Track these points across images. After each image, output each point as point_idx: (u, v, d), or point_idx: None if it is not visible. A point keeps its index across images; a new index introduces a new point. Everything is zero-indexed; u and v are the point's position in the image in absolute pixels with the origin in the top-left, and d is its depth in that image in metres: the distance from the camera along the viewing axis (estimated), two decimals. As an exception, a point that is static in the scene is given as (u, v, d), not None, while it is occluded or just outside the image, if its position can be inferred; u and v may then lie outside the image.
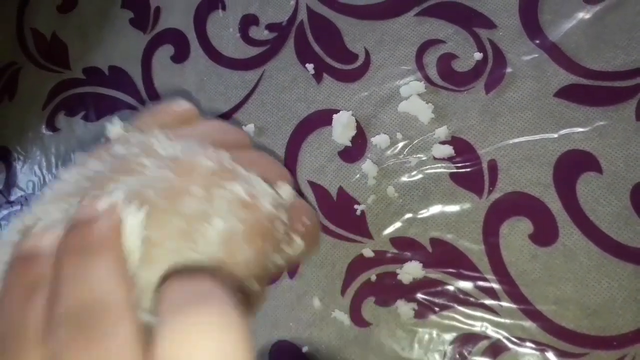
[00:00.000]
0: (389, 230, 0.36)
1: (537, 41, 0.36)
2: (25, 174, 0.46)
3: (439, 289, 0.35)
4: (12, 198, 0.46)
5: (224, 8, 0.44)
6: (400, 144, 0.37)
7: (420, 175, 0.36)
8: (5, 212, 0.46)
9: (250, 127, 0.40)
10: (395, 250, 0.36)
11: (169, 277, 0.14)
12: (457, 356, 0.33)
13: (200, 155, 0.17)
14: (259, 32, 0.42)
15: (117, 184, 0.16)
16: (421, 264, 0.35)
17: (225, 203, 0.16)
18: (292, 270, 0.38)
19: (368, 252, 0.36)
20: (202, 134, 0.19)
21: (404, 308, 0.35)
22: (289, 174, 0.20)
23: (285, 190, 0.19)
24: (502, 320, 0.33)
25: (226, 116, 0.42)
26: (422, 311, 0.35)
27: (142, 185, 0.16)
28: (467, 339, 0.33)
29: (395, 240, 0.36)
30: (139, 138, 0.19)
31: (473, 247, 0.34)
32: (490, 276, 0.34)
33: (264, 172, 0.19)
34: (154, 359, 0.12)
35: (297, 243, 0.19)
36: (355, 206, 0.37)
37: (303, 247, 0.19)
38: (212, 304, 0.13)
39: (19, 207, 0.46)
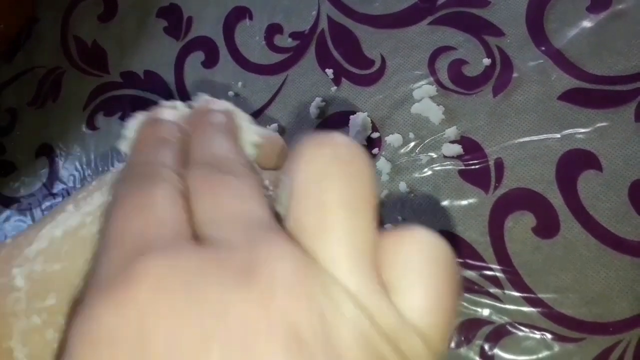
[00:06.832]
0: (402, 222, 0.39)
1: (543, 48, 0.38)
2: (67, 169, 0.50)
3: (447, 277, 0.37)
4: (55, 190, 0.50)
5: (251, 18, 0.47)
6: (413, 143, 0.40)
7: (430, 172, 0.39)
8: (48, 203, 0.50)
9: (273, 127, 0.43)
10: (406, 241, 0.38)
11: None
12: (463, 339, 0.35)
13: None
14: (283, 40, 0.46)
15: None
16: (430, 254, 0.37)
17: None
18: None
19: (381, 243, 0.39)
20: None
21: (414, 294, 0.37)
22: None
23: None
24: (505, 306, 0.35)
25: (252, 117, 0.44)
26: (431, 298, 0.37)
27: None
28: (472, 323, 0.36)
29: (407, 232, 0.39)
30: None
31: (479, 238, 0.37)
32: (495, 266, 0.36)
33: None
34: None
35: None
36: (370, 200, 0.40)
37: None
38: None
39: (60, 198, 0.50)
